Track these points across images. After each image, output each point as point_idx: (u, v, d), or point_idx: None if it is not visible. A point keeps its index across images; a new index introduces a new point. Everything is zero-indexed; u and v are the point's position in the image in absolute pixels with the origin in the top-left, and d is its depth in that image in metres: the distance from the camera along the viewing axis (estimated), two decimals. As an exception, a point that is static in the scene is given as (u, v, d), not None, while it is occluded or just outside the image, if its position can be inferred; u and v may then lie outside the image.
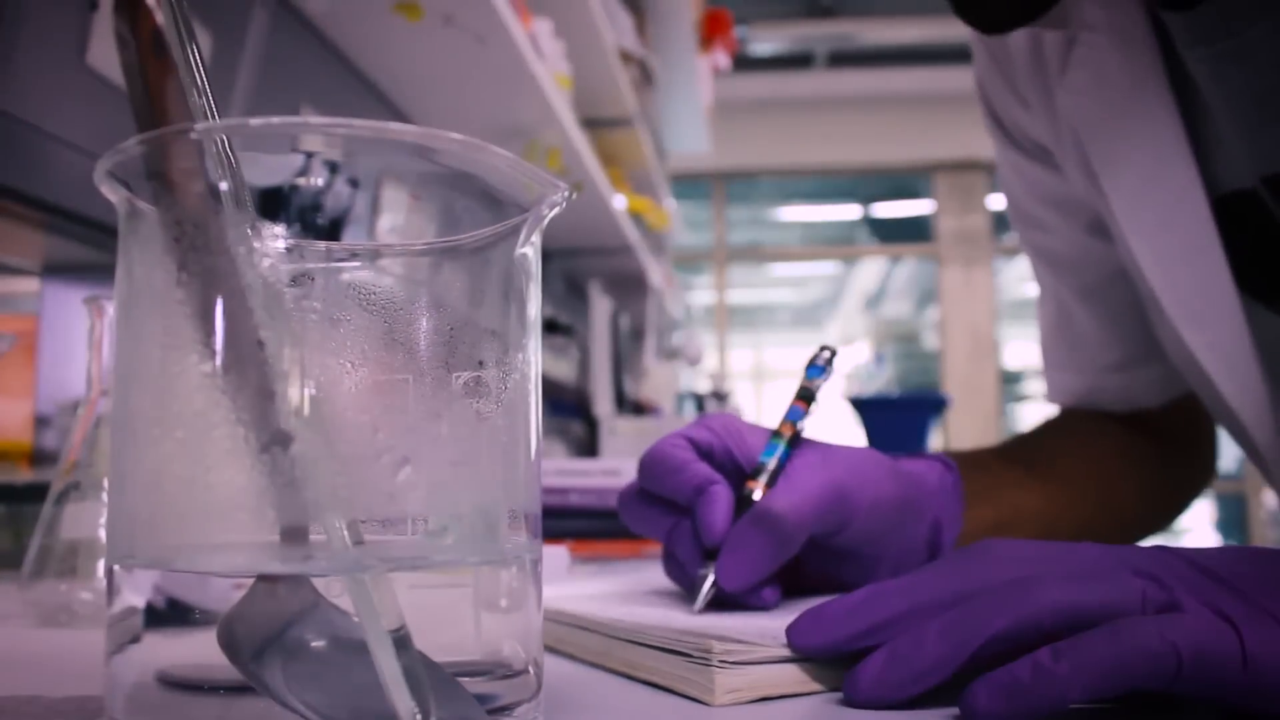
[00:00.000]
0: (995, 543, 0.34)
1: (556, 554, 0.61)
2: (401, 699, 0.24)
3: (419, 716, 0.24)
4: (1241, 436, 0.56)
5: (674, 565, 0.45)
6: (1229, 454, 4.87)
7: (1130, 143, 0.52)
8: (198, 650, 0.26)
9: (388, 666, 0.24)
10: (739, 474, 0.44)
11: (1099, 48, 0.52)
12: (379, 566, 0.26)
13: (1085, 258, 0.64)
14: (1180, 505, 0.70)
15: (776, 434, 0.44)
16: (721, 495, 0.41)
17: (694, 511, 0.42)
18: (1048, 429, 0.70)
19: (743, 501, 0.42)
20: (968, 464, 0.52)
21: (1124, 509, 0.65)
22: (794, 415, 0.45)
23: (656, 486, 0.44)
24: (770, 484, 0.42)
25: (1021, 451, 0.66)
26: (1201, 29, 0.47)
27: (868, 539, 0.44)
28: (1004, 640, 0.28)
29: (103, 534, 0.50)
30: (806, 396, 0.45)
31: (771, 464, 0.42)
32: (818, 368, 0.47)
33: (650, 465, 0.44)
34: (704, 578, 0.40)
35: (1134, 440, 0.66)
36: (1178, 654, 0.25)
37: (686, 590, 0.44)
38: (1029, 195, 0.66)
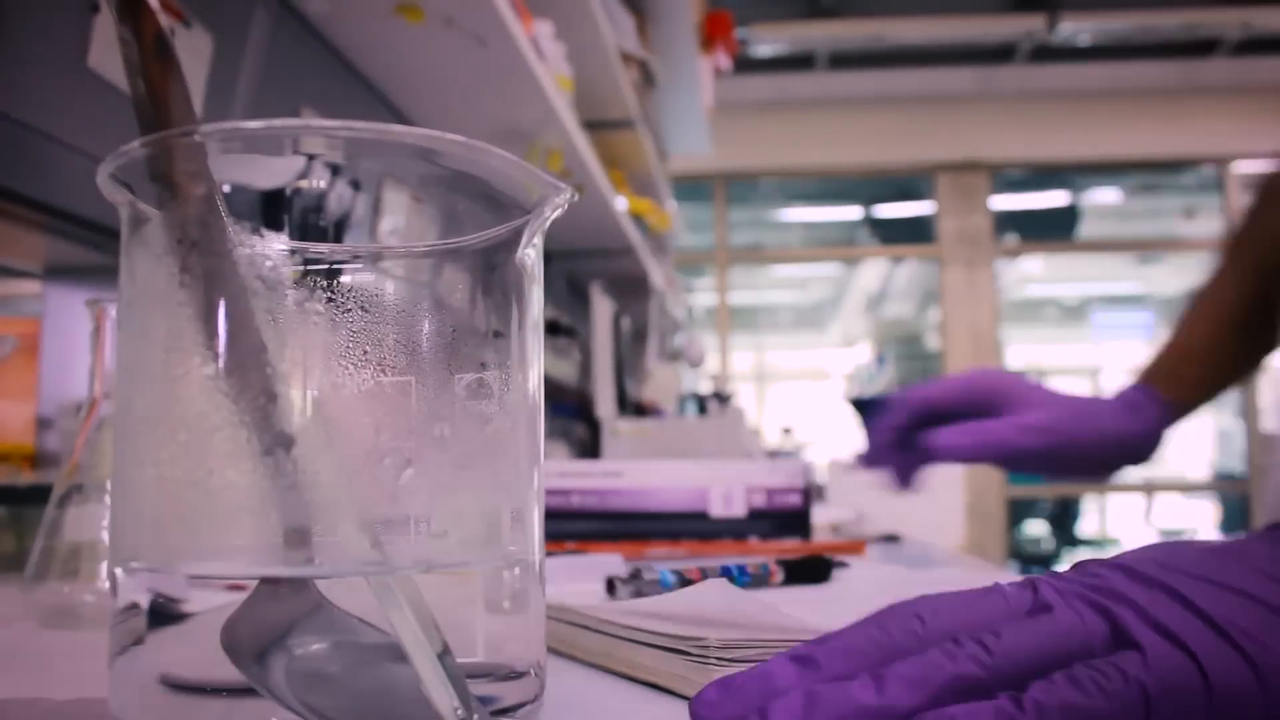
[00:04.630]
0: (920, 601, 0.28)
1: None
2: (442, 697, 0.24)
3: (461, 712, 0.24)
4: None
5: None
6: (1234, 454, 4.86)
7: None
8: (201, 652, 0.26)
9: (428, 665, 0.24)
10: None
11: None
12: (381, 569, 0.26)
13: None
14: None
15: None
16: None
17: None
18: None
19: None
20: None
21: None
22: None
23: None
24: None
25: None
26: None
27: None
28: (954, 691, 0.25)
29: (105, 536, 0.50)
30: None
31: None
32: None
33: None
34: None
35: None
36: (1145, 695, 0.24)
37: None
38: None
